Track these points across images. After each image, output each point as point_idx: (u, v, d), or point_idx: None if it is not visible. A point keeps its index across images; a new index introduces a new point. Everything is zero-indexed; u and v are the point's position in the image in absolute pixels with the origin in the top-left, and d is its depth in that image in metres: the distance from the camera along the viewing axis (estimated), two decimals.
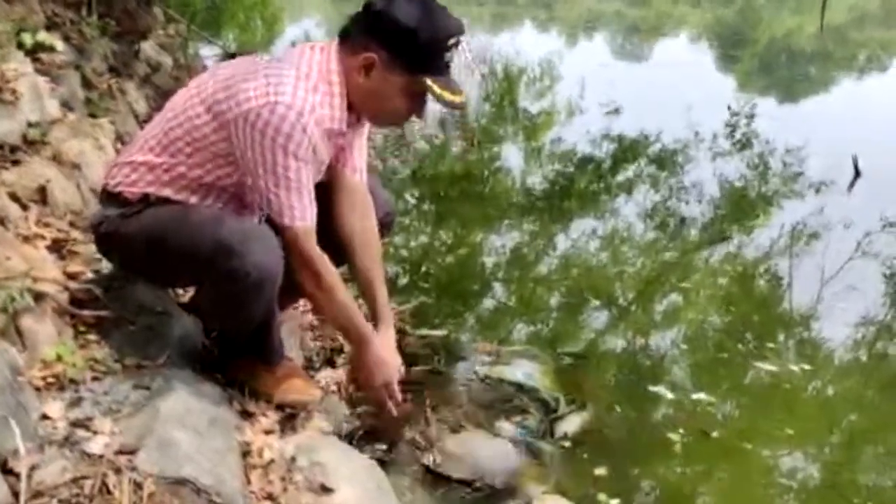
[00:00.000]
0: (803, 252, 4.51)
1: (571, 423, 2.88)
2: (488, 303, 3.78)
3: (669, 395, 3.13)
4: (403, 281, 3.86)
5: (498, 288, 4.01)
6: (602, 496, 2.57)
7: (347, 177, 2.31)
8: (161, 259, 2.12)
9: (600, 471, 2.68)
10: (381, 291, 2.32)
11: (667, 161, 5.83)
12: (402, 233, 4.47)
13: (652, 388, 3.18)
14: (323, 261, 2.11)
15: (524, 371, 3.12)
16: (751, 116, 6.17)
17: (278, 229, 2.06)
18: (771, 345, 3.53)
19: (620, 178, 5.64)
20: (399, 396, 2.30)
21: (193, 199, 2.15)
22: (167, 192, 2.14)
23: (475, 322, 3.57)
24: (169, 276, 2.27)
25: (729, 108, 6.27)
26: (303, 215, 2.06)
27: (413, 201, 5.03)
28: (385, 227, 2.49)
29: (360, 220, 2.33)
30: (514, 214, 4.96)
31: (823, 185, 5.05)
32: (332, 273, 2.12)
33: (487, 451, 2.65)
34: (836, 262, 4.23)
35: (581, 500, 2.51)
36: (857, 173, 4.88)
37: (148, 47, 4.17)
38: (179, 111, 2.11)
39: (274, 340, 2.33)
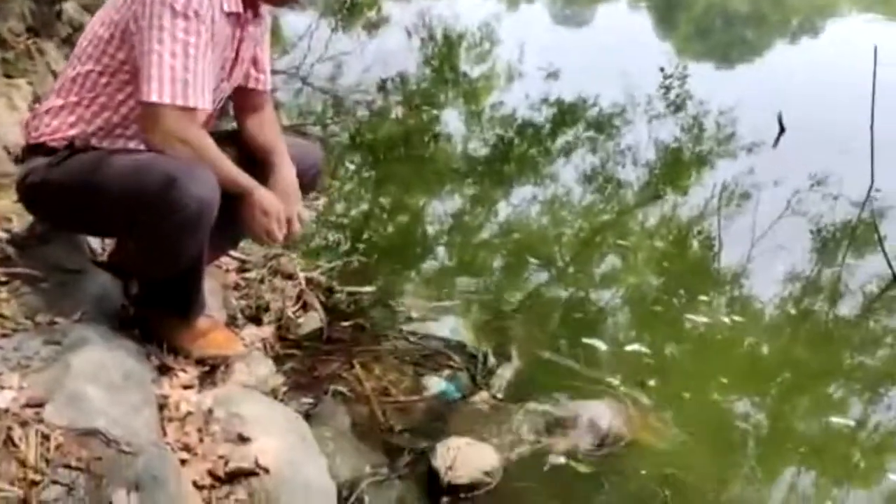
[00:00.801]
0: (735, 209, 4.60)
1: (500, 376, 2.91)
2: (421, 262, 3.79)
3: (604, 347, 3.17)
4: (340, 243, 3.85)
5: (432, 248, 4.02)
6: (529, 439, 2.61)
7: (255, 99, 2.39)
8: (93, 202, 2.09)
9: (529, 421, 2.72)
10: (280, 143, 2.37)
11: (604, 124, 5.87)
12: (341, 199, 4.45)
13: (586, 340, 3.22)
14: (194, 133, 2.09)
15: (453, 327, 3.15)
16: (683, 78, 6.24)
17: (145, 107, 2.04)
18: (703, 298, 3.59)
19: (559, 142, 5.67)
20: (295, 227, 2.28)
21: (118, 144, 2.15)
22: (91, 131, 2.13)
23: (406, 280, 3.58)
24: (100, 221, 2.21)
25: (662, 70, 6.33)
26: (183, 94, 2.04)
27: (353, 167, 5.00)
28: (311, 179, 2.49)
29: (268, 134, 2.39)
30: (453, 178, 4.96)
31: (755, 144, 5.15)
32: (200, 137, 2.10)
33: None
34: (767, 218, 4.31)
35: (505, 445, 2.55)
36: (782, 129, 4.98)
37: (70, 8, 4.06)
38: (86, 44, 2.12)
39: (197, 295, 2.31)
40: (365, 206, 4.36)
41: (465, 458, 2.44)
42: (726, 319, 3.44)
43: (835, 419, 2.89)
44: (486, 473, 2.44)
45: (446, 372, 2.86)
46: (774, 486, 2.63)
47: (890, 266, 3.67)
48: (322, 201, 4.25)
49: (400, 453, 2.50)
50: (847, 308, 3.63)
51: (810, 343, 3.47)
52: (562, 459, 2.59)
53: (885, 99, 4.20)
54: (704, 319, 3.42)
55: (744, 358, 3.23)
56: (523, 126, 5.87)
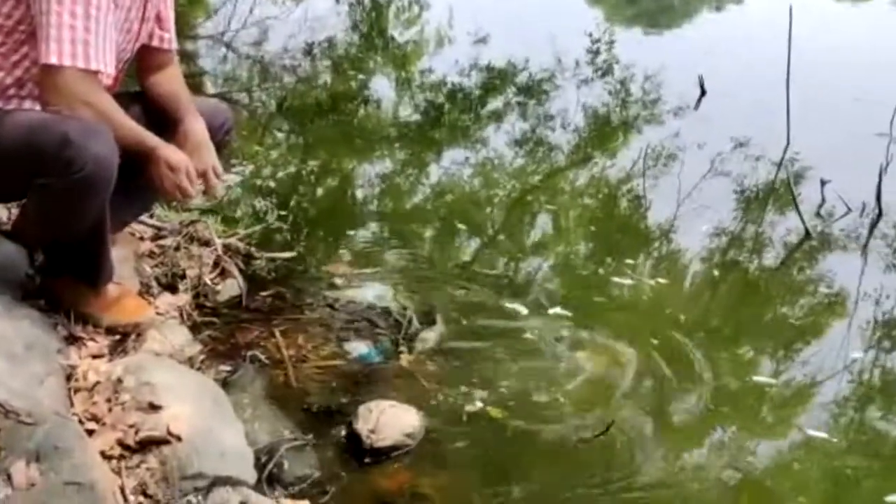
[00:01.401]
0: (660, 172, 4.65)
1: (423, 340, 2.91)
2: (347, 228, 3.75)
3: (525, 310, 3.18)
4: (261, 209, 3.79)
5: (358, 214, 3.98)
6: (450, 399, 2.63)
7: (160, 58, 2.33)
8: None
9: (451, 381, 2.73)
10: (187, 100, 2.33)
11: (534, 89, 5.87)
12: (267, 165, 4.37)
13: (508, 305, 3.23)
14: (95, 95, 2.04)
15: (376, 292, 3.13)
16: (610, 43, 6.28)
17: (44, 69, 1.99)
18: (630, 260, 3.62)
19: (489, 106, 5.66)
20: (213, 181, 2.27)
21: (12, 105, 2.08)
22: None
23: (331, 247, 3.54)
24: None
25: (589, 35, 6.35)
26: (84, 55, 1.99)
27: (279, 133, 4.92)
28: (223, 138, 2.45)
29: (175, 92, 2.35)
30: (382, 144, 4.92)
31: (679, 108, 5.21)
32: (102, 98, 2.06)
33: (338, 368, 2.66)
34: (691, 180, 4.37)
35: (424, 407, 2.56)
36: (703, 92, 5.05)
37: None
38: None
39: (103, 261, 2.25)
40: (291, 173, 4.29)
41: (387, 420, 2.44)
42: (651, 281, 3.48)
43: (758, 378, 2.94)
44: (408, 435, 2.45)
45: (369, 338, 2.85)
46: (695, 441, 2.67)
47: (803, 223, 3.76)
48: (248, 168, 4.19)
49: (320, 418, 2.49)
50: (765, 266, 3.70)
51: (731, 302, 3.54)
52: (481, 409, 2.62)
53: (801, 60, 4.29)
54: (629, 281, 3.46)
55: (665, 318, 3.27)
56: (453, 91, 5.84)
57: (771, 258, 3.73)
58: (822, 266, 3.63)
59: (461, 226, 3.87)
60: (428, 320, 3.02)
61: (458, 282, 3.37)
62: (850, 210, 3.90)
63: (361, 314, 2.97)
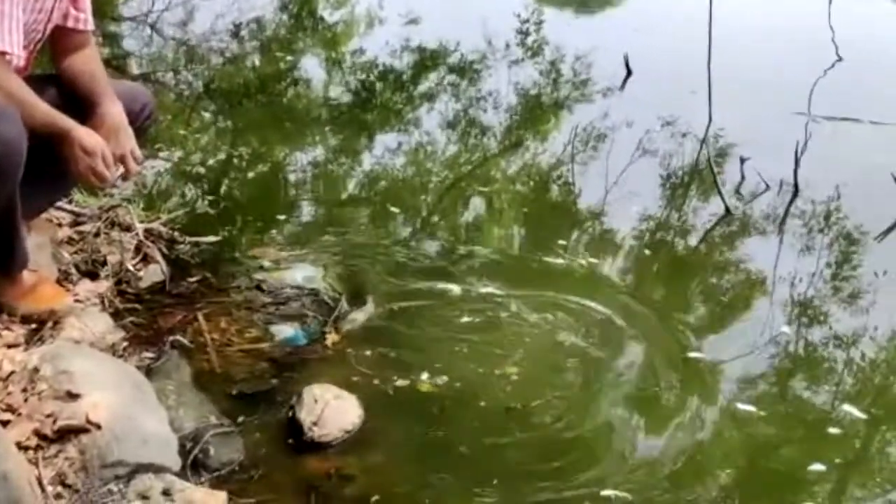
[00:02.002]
0: (589, 153, 4.70)
1: (352, 321, 2.91)
2: (275, 211, 3.71)
3: (457, 290, 3.19)
4: (186, 193, 3.73)
5: (287, 197, 3.95)
6: (379, 379, 2.64)
7: (75, 40, 2.27)
8: None
9: (380, 361, 2.74)
10: (104, 82, 2.28)
11: (465, 71, 5.88)
12: (195, 149, 4.30)
13: (440, 286, 3.24)
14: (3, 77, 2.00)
15: (305, 274, 3.11)
16: (539, 24, 6.32)
17: None
18: (562, 242, 3.65)
19: (421, 88, 5.64)
20: (131, 165, 2.23)
21: None
22: None
23: (259, 230, 3.50)
24: None
25: (518, 15, 6.38)
26: None
27: (207, 116, 4.83)
28: (142, 122, 2.40)
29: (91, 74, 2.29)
30: (312, 127, 4.88)
31: (606, 89, 5.28)
32: (10, 80, 2.02)
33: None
34: (619, 160, 4.43)
35: (353, 388, 2.56)
36: (629, 72, 5.12)
37: None
38: None
39: (16, 248, 2.20)
40: (218, 156, 4.23)
41: (331, 414, 2.43)
42: (582, 261, 3.52)
43: (690, 353, 2.98)
44: (349, 432, 2.45)
45: (296, 320, 2.84)
46: (626, 414, 2.73)
47: (723, 200, 3.86)
48: (173, 152, 4.12)
49: (246, 403, 2.48)
50: (689, 244, 3.78)
51: (659, 280, 3.61)
52: (411, 388, 2.64)
53: (724, 39, 4.37)
54: (561, 261, 3.49)
55: (596, 297, 3.29)
56: (384, 73, 5.81)
57: (694, 236, 3.81)
58: (741, 243, 3.72)
59: (393, 208, 3.86)
60: (358, 301, 3.02)
61: (389, 263, 3.37)
62: (768, 187, 4.01)
63: (289, 296, 2.96)
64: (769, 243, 3.73)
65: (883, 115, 4.35)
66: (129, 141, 2.21)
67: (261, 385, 2.55)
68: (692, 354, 2.95)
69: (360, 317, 2.93)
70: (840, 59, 4.72)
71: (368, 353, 2.78)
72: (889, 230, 3.74)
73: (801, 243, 3.73)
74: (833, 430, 2.64)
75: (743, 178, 4.12)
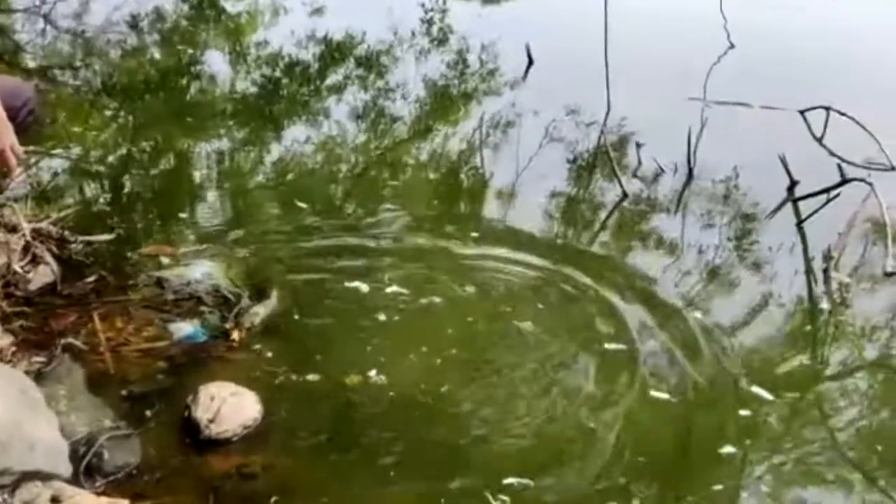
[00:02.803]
0: (495, 142, 4.73)
1: (253, 315, 2.88)
2: (176, 207, 3.64)
3: (364, 283, 3.19)
4: (79, 191, 3.62)
5: (187, 192, 3.87)
6: (281, 374, 2.63)
7: None
8: None
9: (283, 355, 2.72)
10: None
11: (372, 61, 5.85)
12: (92, 146, 4.18)
13: (346, 278, 3.22)
14: None
15: (205, 270, 3.07)
16: (444, 13, 6.34)
17: None
18: (475, 234, 3.66)
19: (328, 80, 5.60)
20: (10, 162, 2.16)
21: None
22: None
23: (158, 226, 3.43)
24: None
25: (422, 5, 6.39)
26: None
27: (107, 112, 4.69)
28: (24, 120, 2.32)
29: None
30: (217, 121, 4.79)
31: (509, 78, 5.33)
32: None
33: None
34: (525, 149, 4.49)
35: (254, 383, 2.54)
36: (531, 61, 5.19)
37: None
38: None
39: None
40: (116, 153, 4.13)
41: (228, 411, 2.41)
42: (493, 250, 3.52)
43: (608, 345, 3.02)
44: (248, 427, 2.43)
45: (195, 317, 2.80)
46: (543, 401, 2.75)
47: (620, 185, 3.96)
48: (68, 149, 4.00)
49: (144, 404, 2.43)
50: (591, 229, 3.86)
51: (569, 266, 3.64)
52: (314, 383, 2.62)
53: (624, 27, 4.47)
54: (469, 251, 3.50)
55: (508, 285, 3.33)
56: (290, 64, 5.74)
57: (594, 221, 3.89)
58: (639, 225, 3.82)
59: (298, 202, 3.82)
60: (260, 296, 3.00)
61: (293, 257, 3.35)
62: (663, 171, 4.13)
63: (188, 293, 2.91)
64: (666, 224, 3.82)
65: (772, 99, 4.51)
66: (7, 136, 2.13)
67: (157, 385, 2.51)
68: (609, 345, 2.96)
69: (262, 311, 2.90)
70: (732, 46, 4.89)
71: (271, 347, 2.76)
72: (778, 208, 3.88)
73: (697, 224, 3.83)
74: (743, 413, 2.70)
75: (640, 162, 4.23)
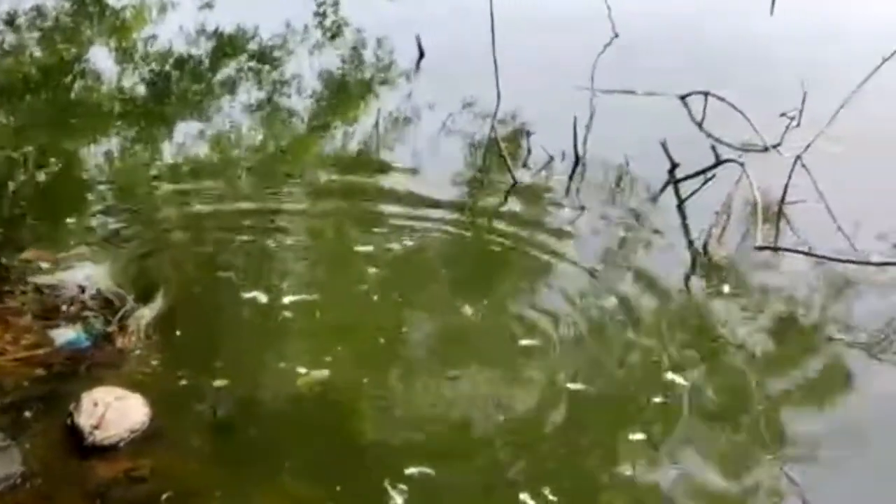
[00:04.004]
0: (391, 133, 4.74)
1: (139, 317, 2.84)
2: (58, 211, 3.53)
3: (256, 289, 3.14)
4: None
5: (73, 195, 3.76)
6: (169, 376, 2.60)
7: None
8: None
9: (171, 357, 2.69)
10: None
11: (266, 55, 5.78)
12: None
13: (235, 279, 3.20)
14: None
15: (87, 273, 3.00)
16: (335, 6, 6.30)
17: None
18: (376, 230, 3.65)
19: (221, 74, 5.50)
20: None
21: None
22: None
23: (36, 231, 3.32)
24: None
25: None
26: None
27: None
28: None
29: None
30: (103, 121, 4.66)
31: (400, 69, 5.32)
32: None
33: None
34: (424, 139, 4.51)
35: (140, 386, 2.51)
36: (422, 53, 5.22)
37: None
38: None
39: None
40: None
41: (113, 415, 2.38)
42: (395, 245, 3.54)
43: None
44: (135, 431, 2.40)
45: (78, 322, 2.73)
46: (460, 394, 2.77)
47: (510, 172, 4.03)
48: None
49: (23, 413, 2.37)
50: (483, 216, 3.92)
51: (468, 259, 3.68)
52: (201, 383, 2.60)
53: (510, 21, 4.52)
54: (370, 248, 3.49)
55: (413, 280, 3.36)
56: (181, 60, 5.62)
57: (487, 208, 3.95)
58: (530, 210, 3.89)
59: (188, 203, 3.74)
60: (146, 297, 2.94)
61: (181, 257, 3.30)
62: (552, 159, 4.23)
63: (70, 297, 2.84)
64: (556, 210, 3.91)
65: (656, 86, 4.66)
66: None
67: (38, 393, 2.44)
68: (525, 342, 2.98)
69: (148, 313, 2.86)
70: (616, 36, 5.02)
71: (158, 349, 2.73)
72: (661, 190, 4.02)
73: (586, 208, 3.91)
74: (657, 399, 2.76)
75: (529, 151, 4.32)
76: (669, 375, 2.85)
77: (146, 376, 2.62)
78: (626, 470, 2.50)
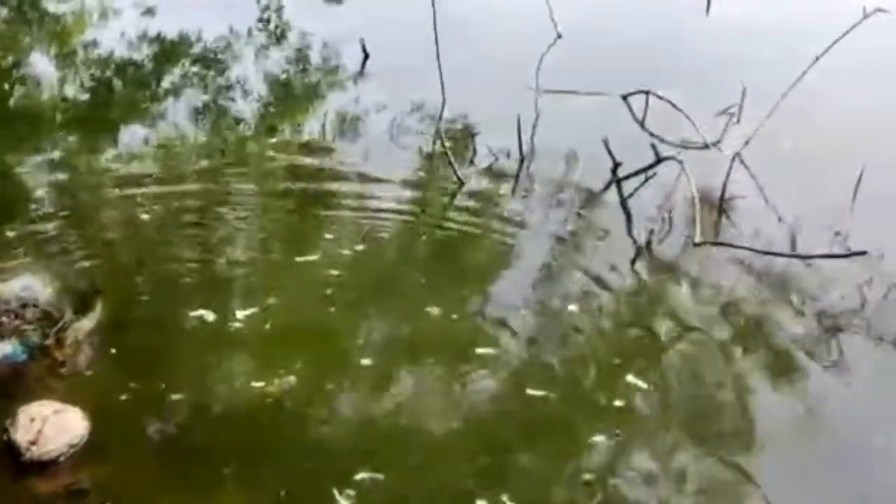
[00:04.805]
0: (345, 137, 4.72)
1: (77, 329, 2.80)
2: None
3: (197, 301, 3.09)
4: None
5: (6, 205, 3.68)
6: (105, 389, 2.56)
7: None
8: None
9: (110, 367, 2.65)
10: None
11: (211, 60, 5.72)
12: None
13: (176, 290, 3.17)
14: None
15: (24, 285, 2.94)
16: (280, 10, 6.27)
17: None
18: (324, 234, 3.64)
19: (165, 80, 5.44)
20: None
21: None
22: None
23: None
24: None
25: (258, 2, 6.31)
26: None
27: None
28: None
29: None
30: (45, 128, 4.57)
31: (360, 74, 5.33)
32: None
33: None
34: (372, 142, 4.51)
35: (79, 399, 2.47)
36: (366, 55, 5.22)
37: None
38: None
39: None
40: None
41: (51, 431, 2.35)
42: (345, 250, 3.53)
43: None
44: (74, 446, 2.38)
45: (14, 335, 2.68)
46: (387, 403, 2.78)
47: (455, 173, 4.05)
48: None
49: None
50: (431, 217, 3.93)
51: (421, 259, 3.69)
52: (142, 395, 2.58)
53: (454, 21, 4.54)
54: (315, 258, 3.48)
55: (358, 278, 3.36)
56: (123, 65, 5.54)
57: (435, 209, 3.96)
58: (476, 212, 3.90)
59: (136, 213, 3.67)
60: (85, 309, 2.90)
61: (120, 268, 3.26)
62: (497, 159, 4.25)
63: (6, 310, 2.78)
64: (503, 209, 3.93)
65: (597, 86, 4.71)
66: None
67: None
68: (476, 348, 2.98)
69: (86, 324, 2.82)
70: (560, 36, 5.06)
71: (97, 360, 2.69)
72: (605, 189, 4.06)
73: (531, 207, 3.95)
74: (618, 403, 2.78)
75: (475, 151, 4.34)
76: (616, 375, 2.87)
77: (86, 389, 2.58)
78: (586, 475, 2.51)
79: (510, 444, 2.62)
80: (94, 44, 5.77)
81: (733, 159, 3.75)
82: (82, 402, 2.50)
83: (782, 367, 3.03)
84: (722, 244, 3.46)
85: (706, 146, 4.11)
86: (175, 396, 2.62)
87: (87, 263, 3.23)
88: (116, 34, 5.81)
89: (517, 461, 2.58)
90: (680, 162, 3.71)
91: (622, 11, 5.91)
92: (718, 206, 3.69)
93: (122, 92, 5.27)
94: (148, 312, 3.02)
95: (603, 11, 5.84)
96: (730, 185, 3.79)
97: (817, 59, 3.88)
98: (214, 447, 2.50)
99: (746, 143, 3.84)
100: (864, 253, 3.34)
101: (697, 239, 3.45)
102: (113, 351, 2.77)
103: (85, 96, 5.11)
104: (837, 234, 3.65)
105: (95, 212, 3.76)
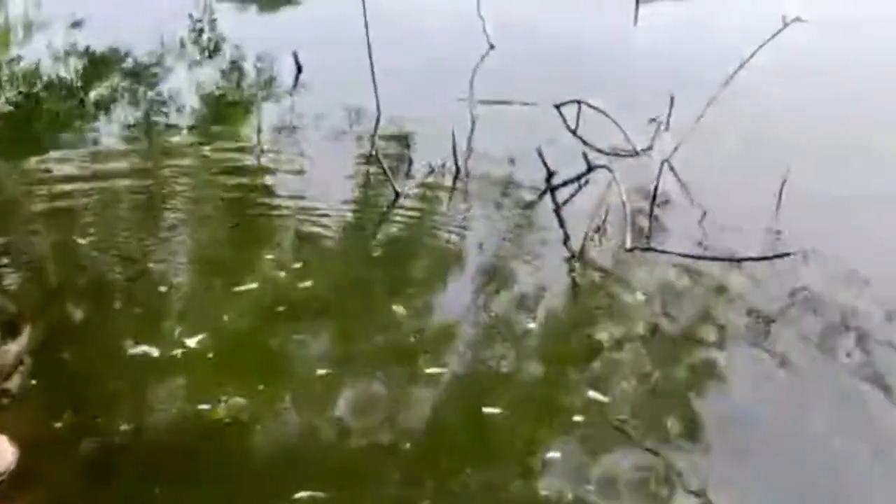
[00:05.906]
0: (280, 150, 4.68)
1: (6, 355, 2.72)
2: None
3: (131, 323, 3.03)
4: None
5: None
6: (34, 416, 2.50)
7: None
8: None
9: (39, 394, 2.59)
10: None
11: (142, 74, 5.64)
12: None
13: (109, 311, 3.10)
14: None
15: None
16: (213, 22, 6.22)
17: None
18: (270, 256, 3.58)
19: (94, 94, 5.34)
20: None
21: None
22: None
23: None
24: None
25: (191, 16, 6.25)
26: None
27: None
28: None
29: None
30: None
31: (291, 87, 5.32)
32: None
33: None
34: (306, 154, 4.49)
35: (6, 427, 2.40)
36: (299, 69, 5.22)
37: None
38: None
39: None
40: None
41: None
42: (295, 265, 3.49)
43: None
44: (1, 474, 2.30)
45: None
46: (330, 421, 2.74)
47: (392, 185, 4.05)
48: None
49: None
50: (369, 229, 3.93)
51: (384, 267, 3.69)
52: (71, 424, 2.52)
53: (387, 34, 4.57)
54: (254, 276, 3.41)
55: (298, 295, 3.31)
56: (50, 81, 5.43)
57: (372, 221, 3.96)
58: (412, 224, 3.91)
59: (67, 232, 3.58)
60: (12, 332, 2.82)
61: (50, 288, 3.19)
62: (433, 170, 4.27)
63: None
64: (439, 219, 3.95)
65: (532, 95, 4.77)
66: None
67: None
68: (431, 370, 2.94)
69: (14, 348, 2.74)
70: (493, 47, 5.13)
71: (25, 386, 2.61)
72: (539, 197, 4.10)
73: (467, 216, 3.97)
74: (577, 418, 2.73)
75: (411, 163, 4.36)
76: (592, 393, 2.85)
77: (13, 416, 2.50)
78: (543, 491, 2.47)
79: (454, 463, 2.59)
80: (19, 58, 5.66)
81: (662, 165, 3.83)
82: (9, 431, 2.41)
83: (719, 367, 3.08)
84: (652, 249, 3.52)
85: (636, 153, 4.19)
86: (105, 422, 2.55)
87: (13, 285, 3.14)
88: (42, 48, 5.71)
89: (469, 481, 2.53)
90: (610, 170, 3.78)
91: (553, 20, 6.01)
92: (650, 211, 3.76)
93: (48, 107, 5.18)
94: (81, 335, 2.96)
95: (531, 23, 5.93)
96: (666, 189, 3.86)
97: (742, 65, 4.01)
98: (152, 472, 2.44)
99: (675, 149, 3.92)
100: (788, 255, 3.43)
101: (628, 245, 3.51)
102: (42, 376, 2.69)
103: (9, 111, 4.99)
104: (772, 233, 3.75)
105: (21, 232, 3.67)
